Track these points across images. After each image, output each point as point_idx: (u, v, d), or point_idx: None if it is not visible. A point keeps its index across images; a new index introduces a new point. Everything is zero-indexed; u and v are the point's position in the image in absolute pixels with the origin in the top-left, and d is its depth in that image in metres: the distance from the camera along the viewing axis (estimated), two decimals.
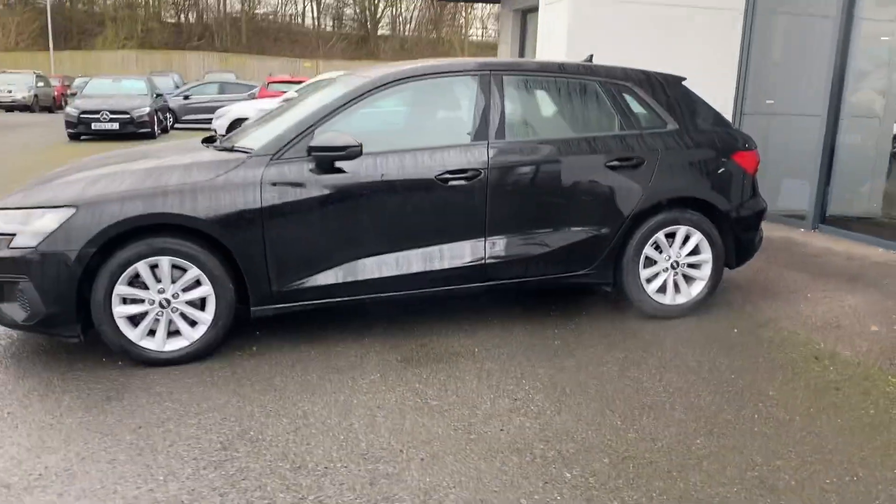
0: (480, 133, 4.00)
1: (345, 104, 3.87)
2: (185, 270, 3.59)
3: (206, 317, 3.64)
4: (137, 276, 3.54)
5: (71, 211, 3.45)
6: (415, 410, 3.18)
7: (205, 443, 2.88)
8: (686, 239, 4.33)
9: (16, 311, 3.54)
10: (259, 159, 3.69)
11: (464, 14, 52.12)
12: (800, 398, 3.34)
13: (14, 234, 3.50)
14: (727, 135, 4.50)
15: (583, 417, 3.12)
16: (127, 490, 2.55)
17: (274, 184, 3.65)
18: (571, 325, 4.25)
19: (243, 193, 3.61)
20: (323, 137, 3.67)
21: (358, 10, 53.89)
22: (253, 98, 20.03)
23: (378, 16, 54.24)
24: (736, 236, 4.44)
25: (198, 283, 3.62)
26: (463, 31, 53.64)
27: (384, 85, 3.96)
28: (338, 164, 3.74)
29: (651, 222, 4.23)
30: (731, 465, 2.75)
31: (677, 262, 4.34)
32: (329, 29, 55.00)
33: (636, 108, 4.32)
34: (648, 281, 4.32)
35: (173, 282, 3.59)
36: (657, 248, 4.30)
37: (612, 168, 4.14)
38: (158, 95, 18.70)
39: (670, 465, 2.75)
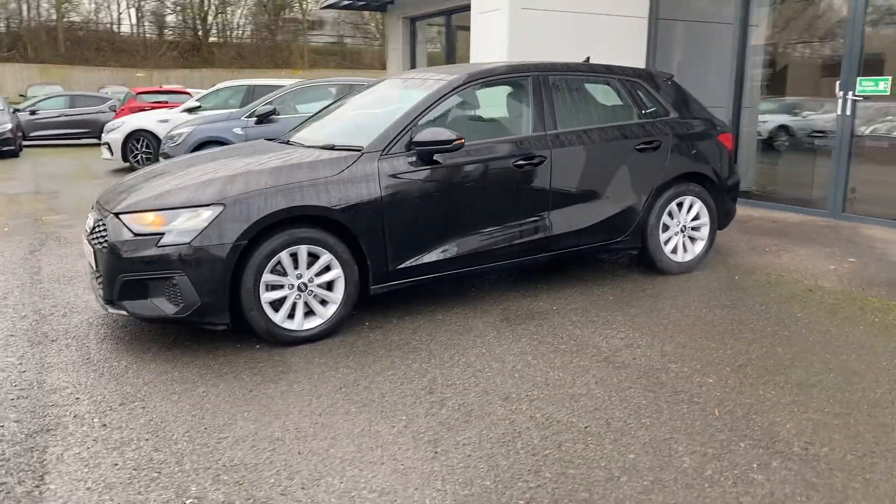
0: (539, 125, 4.71)
1: (431, 104, 4.43)
2: (317, 257, 4.00)
3: (336, 297, 4.07)
4: (279, 263, 3.91)
5: (219, 208, 3.77)
6: (554, 352, 3.84)
7: (409, 392, 3.38)
8: (690, 207, 5.28)
9: (164, 304, 3.79)
10: (371, 155, 4.18)
11: (302, 19, 51.83)
12: (821, 317, 4.36)
13: (161, 234, 3.75)
14: (711, 120, 5.52)
15: (685, 345, 3.93)
16: (381, 428, 3.02)
17: (389, 175, 4.16)
18: (611, 285, 5.06)
19: (366, 185, 4.09)
20: (426, 133, 4.21)
21: (184, 18, 51.93)
22: (114, 110, 19.27)
23: (208, 23, 52.55)
24: (724, 203, 5.46)
25: (327, 267, 4.04)
26: (301, 37, 53.27)
27: (461, 87, 4.56)
28: (436, 156, 4.30)
29: (667, 194, 5.14)
30: (815, 361, 3.67)
31: (685, 227, 5.28)
32: (154, 37, 52.59)
33: (647, 100, 5.22)
34: (665, 243, 5.23)
35: (308, 267, 4.00)
36: (670, 215, 5.21)
37: (640, 150, 5.00)
38: (16, 111, 17.54)
39: (773, 367, 3.62)
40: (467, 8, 12.98)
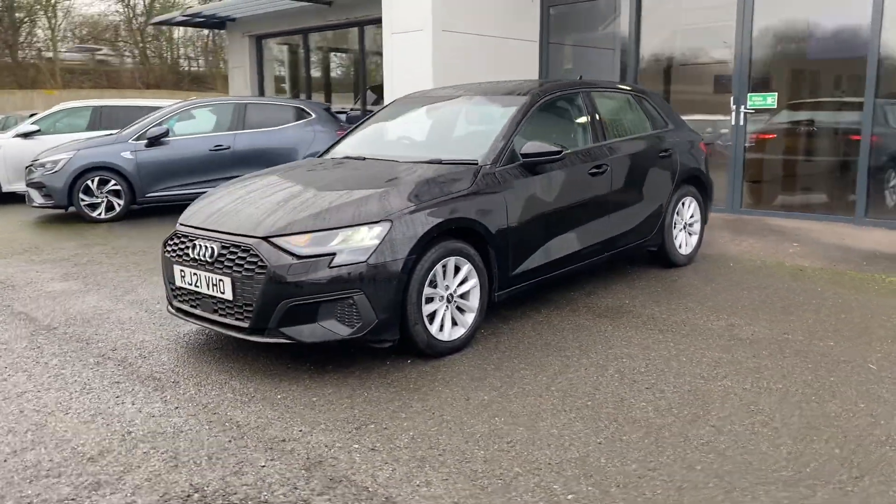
0: (595, 136, 5.18)
1: (521, 119, 4.70)
2: (459, 268, 4.13)
3: (472, 305, 4.20)
4: (433, 276, 3.99)
5: (388, 224, 3.76)
6: (685, 337, 4.31)
7: (604, 382, 3.66)
8: (689, 206, 6.06)
9: (336, 326, 3.69)
10: (488, 167, 4.38)
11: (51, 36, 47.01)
12: (835, 288, 5.29)
13: (332, 254, 3.67)
14: (691, 129, 6.36)
15: (771, 320, 4.60)
16: (604, 407, 3.31)
17: (508, 187, 4.38)
18: (646, 279, 5.64)
19: (493, 196, 4.28)
20: (531, 146, 4.49)
21: None
22: None
23: None
24: (709, 201, 6.32)
25: (465, 278, 4.18)
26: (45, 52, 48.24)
27: (538, 103, 4.88)
28: (537, 167, 4.59)
29: (676, 196, 5.86)
30: (871, 317, 4.51)
31: (686, 224, 6.04)
32: None
33: (654, 113, 5.92)
34: (675, 239, 5.95)
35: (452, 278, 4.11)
36: (678, 214, 5.94)
37: (661, 157, 5.66)
38: None
39: (854, 329, 4.39)
40: (330, 27, 13.12)
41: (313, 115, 10.37)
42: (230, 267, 3.75)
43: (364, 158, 4.81)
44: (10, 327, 4.72)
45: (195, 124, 9.81)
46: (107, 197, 9.12)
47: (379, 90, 12.71)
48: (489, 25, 9.25)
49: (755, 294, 5.16)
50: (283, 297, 3.60)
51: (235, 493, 2.67)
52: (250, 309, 3.69)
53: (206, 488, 2.71)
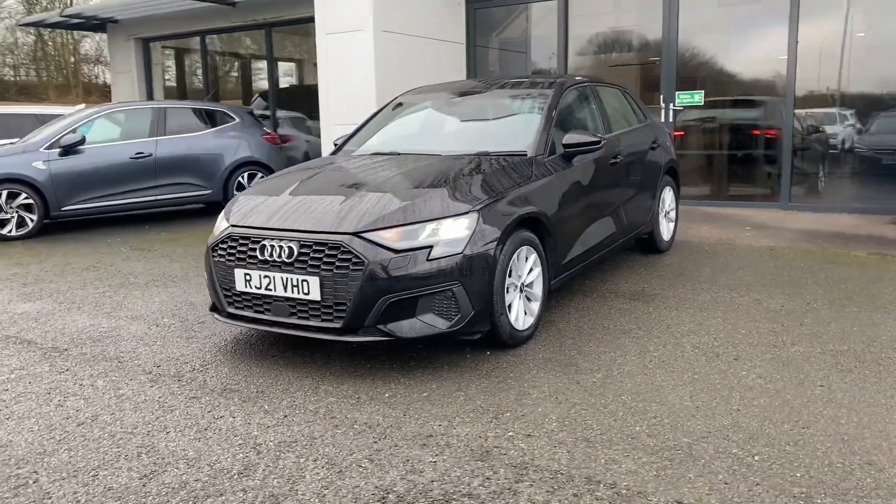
0: (607, 126, 5.39)
1: (553, 111, 4.81)
2: (527, 257, 4.17)
3: (538, 294, 4.25)
4: (511, 266, 4.01)
5: (475, 215, 3.75)
6: (723, 313, 4.58)
7: (692, 357, 3.85)
8: (668, 194, 6.43)
9: (435, 320, 3.62)
10: (539, 158, 4.45)
11: None
12: (806, 264, 5.79)
13: (430, 247, 3.61)
14: (661, 122, 6.74)
15: (785, 295, 4.98)
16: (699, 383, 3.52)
17: (556, 177, 4.48)
18: (647, 265, 5.91)
19: (548, 187, 4.36)
20: (572, 136, 4.60)
21: None
22: None
23: None
24: (679, 188, 6.72)
25: (531, 267, 4.22)
26: None
27: (562, 96, 5.00)
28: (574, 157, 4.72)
29: (661, 184, 6.21)
30: (855, 286, 5.00)
31: (667, 211, 6.41)
32: None
33: (636, 107, 6.23)
34: (660, 226, 6.30)
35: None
36: (662, 201, 6.29)
37: (653, 148, 5.98)
38: None
39: (845, 296, 4.86)
40: (233, 29, 12.59)
41: (237, 119, 9.95)
42: (316, 266, 3.57)
43: (399, 154, 4.72)
44: (12, 352, 4.23)
45: (111, 131, 9.13)
46: (17, 212, 8.27)
47: (267, 97, 12.37)
48: (422, 27, 9.31)
49: (750, 273, 5.55)
50: (384, 292, 3.48)
51: (431, 490, 2.57)
52: (343, 308, 3.54)
53: (394, 489, 2.59)
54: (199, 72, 13.67)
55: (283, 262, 3.64)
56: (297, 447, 2.92)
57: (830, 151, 8.49)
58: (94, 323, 4.76)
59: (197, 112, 9.80)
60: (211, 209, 9.64)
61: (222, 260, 3.88)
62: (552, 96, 4.81)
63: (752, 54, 8.82)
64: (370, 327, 3.54)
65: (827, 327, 4.22)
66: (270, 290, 3.69)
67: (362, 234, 3.54)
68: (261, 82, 13.20)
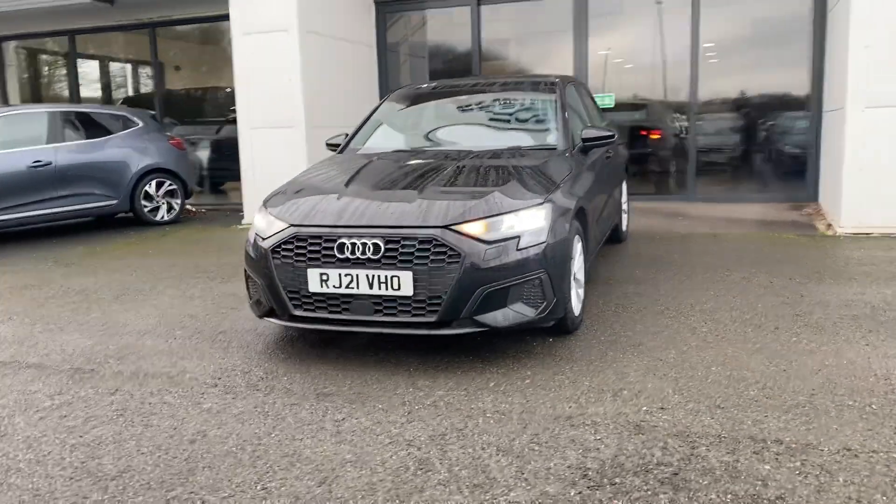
0: (594, 121, 5.68)
1: (564, 108, 5.02)
2: (576, 246, 4.34)
3: (581, 281, 4.46)
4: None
5: (550, 205, 3.88)
6: (729, 289, 5.00)
7: (738, 329, 4.21)
8: (623, 188, 6.87)
9: (524, 309, 3.68)
10: (567, 151, 4.64)
11: None
12: (755, 246, 6.42)
13: (517, 237, 3.70)
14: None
15: (764, 274, 5.54)
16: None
17: (582, 170, 4.69)
18: (617, 256, 6.26)
19: (582, 179, 4.55)
20: (590, 131, 4.82)
21: None
22: None
23: None
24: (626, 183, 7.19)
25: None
26: None
27: (564, 93, 5.22)
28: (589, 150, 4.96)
29: (623, 177, 6.63)
30: (807, 261, 5.66)
31: (623, 203, 6.84)
32: None
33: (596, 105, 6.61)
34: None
35: None
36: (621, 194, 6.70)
37: (619, 144, 6.37)
38: None
39: (793, 269, 5.52)
40: (111, 29, 11.70)
41: (140, 124, 9.31)
42: (408, 260, 3.53)
43: (425, 150, 4.73)
44: (29, 377, 3.79)
45: (3, 137, 8.22)
46: None
47: (132, 102, 11.69)
48: (339, 28, 9.25)
49: (715, 256, 6.07)
50: (480, 283, 3.51)
51: (623, 464, 2.67)
52: (437, 301, 3.52)
53: (586, 465, 2.65)
54: (65, 75, 12.54)
55: (369, 259, 3.55)
56: (452, 439, 2.90)
57: (725, 150, 9.41)
58: (98, 342, 4.35)
59: (97, 116, 9.05)
60: (101, 221, 8.95)
61: (288, 261, 3.70)
62: (559, 93, 5.01)
63: (656, 60, 9.55)
64: (465, 319, 3.54)
65: (825, 297, 4.73)
66: (352, 288, 3.59)
67: (452, 227, 3.54)
68: (138, 86, 12.36)
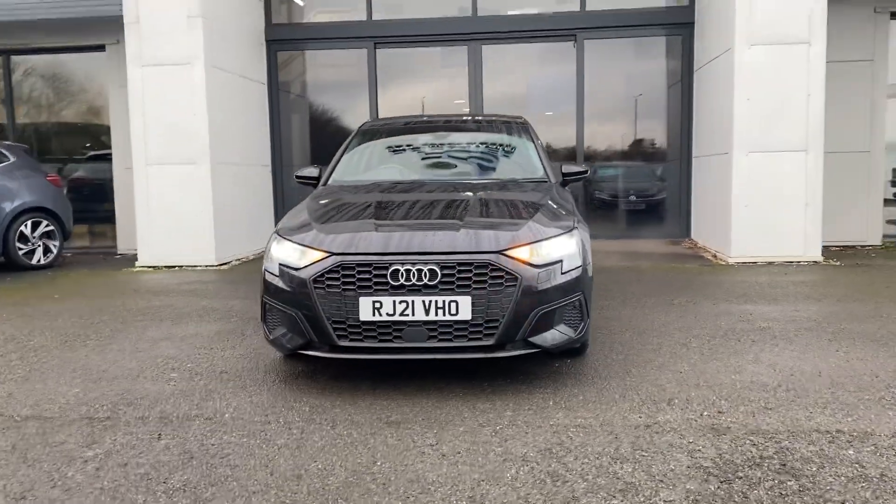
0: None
1: (538, 145, 5.38)
2: None
3: None
4: None
5: (577, 232, 4.14)
6: (685, 313, 5.56)
7: (776, 340, 4.73)
8: None
9: (566, 330, 3.79)
10: (556, 184, 4.98)
11: None
12: (672, 275, 7.13)
13: (560, 261, 3.92)
14: None
15: (703, 297, 6.17)
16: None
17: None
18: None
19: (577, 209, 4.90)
20: (570, 166, 5.16)
21: None
22: None
23: None
24: None
25: None
26: None
27: (530, 130, 5.58)
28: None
29: None
30: (733, 291, 6.43)
31: None
32: None
33: None
34: None
35: None
36: None
37: None
38: None
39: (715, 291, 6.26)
40: None
41: (12, 159, 8.49)
42: (466, 285, 3.62)
43: (425, 182, 4.83)
44: (38, 429, 3.37)
45: None
46: None
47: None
48: (237, 64, 9.07)
49: (646, 286, 6.63)
50: (535, 306, 3.67)
51: (734, 460, 2.94)
52: (494, 325, 3.62)
53: (706, 465, 2.89)
54: None
55: (425, 286, 3.59)
56: (560, 452, 2.99)
57: (610, 194, 10.28)
58: (88, 389, 3.95)
59: None
60: None
61: (335, 291, 3.63)
62: (530, 130, 5.34)
63: (544, 110, 10.26)
64: (519, 341, 3.66)
65: (770, 314, 5.36)
66: (407, 315, 3.60)
67: (505, 253, 3.67)
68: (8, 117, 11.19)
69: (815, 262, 7.69)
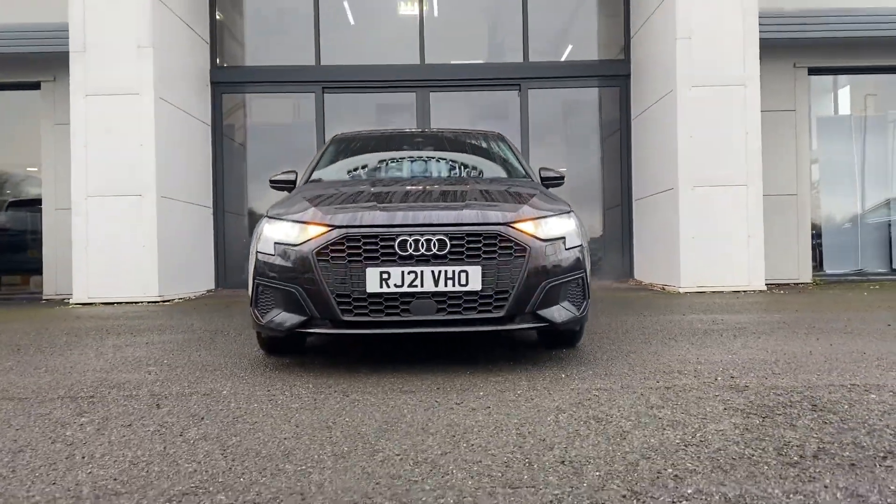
0: None
1: (516, 151, 5.47)
2: None
3: None
4: None
5: (573, 214, 4.21)
6: (661, 321, 5.65)
7: (792, 338, 4.81)
8: None
9: (570, 307, 3.79)
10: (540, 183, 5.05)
11: None
12: (636, 300, 7.27)
13: (563, 237, 3.95)
14: None
15: (671, 314, 6.30)
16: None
17: None
18: None
19: None
20: (548, 171, 5.26)
21: None
22: None
23: None
24: None
25: None
26: None
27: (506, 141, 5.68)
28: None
29: None
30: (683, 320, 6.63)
31: None
32: None
33: None
34: None
35: None
36: None
37: None
38: None
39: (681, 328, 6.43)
40: None
41: None
42: (476, 255, 3.57)
43: (416, 177, 4.82)
44: (19, 409, 3.06)
45: None
46: None
47: None
48: (184, 101, 8.97)
49: (610, 304, 6.72)
50: (544, 278, 3.64)
51: (768, 405, 2.94)
52: (503, 296, 3.56)
53: (749, 406, 2.89)
54: None
55: (434, 256, 3.52)
56: (594, 405, 2.92)
57: None
58: (58, 379, 3.62)
59: None
60: None
61: (340, 263, 3.51)
62: (507, 141, 5.44)
63: None
64: (528, 314, 3.62)
65: (723, 319, 5.50)
66: (415, 286, 3.50)
67: (513, 225, 3.66)
68: None
69: (761, 291, 7.98)
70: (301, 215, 3.73)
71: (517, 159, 5.16)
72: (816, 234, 9.95)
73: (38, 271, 9.66)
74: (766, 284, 8.31)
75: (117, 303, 7.87)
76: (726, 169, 7.99)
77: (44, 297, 9.53)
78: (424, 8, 10.10)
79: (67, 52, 8.02)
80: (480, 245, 3.51)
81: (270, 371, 3.69)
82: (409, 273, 3.45)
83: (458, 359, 3.94)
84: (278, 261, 3.61)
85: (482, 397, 3.03)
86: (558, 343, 4.21)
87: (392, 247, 3.47)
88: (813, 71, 9.65)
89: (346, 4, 10.40)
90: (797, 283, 9.45)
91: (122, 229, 7.83)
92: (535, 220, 3.73)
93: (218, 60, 10.05)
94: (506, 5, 10.26)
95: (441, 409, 2.85)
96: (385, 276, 3.44)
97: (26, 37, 8.95)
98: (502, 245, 3.52)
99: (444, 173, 5.05)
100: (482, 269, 3.47)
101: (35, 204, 9.99)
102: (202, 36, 9.72)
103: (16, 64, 9.22)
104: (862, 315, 5.66)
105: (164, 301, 8.01)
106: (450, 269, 3.46)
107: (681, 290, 7.94)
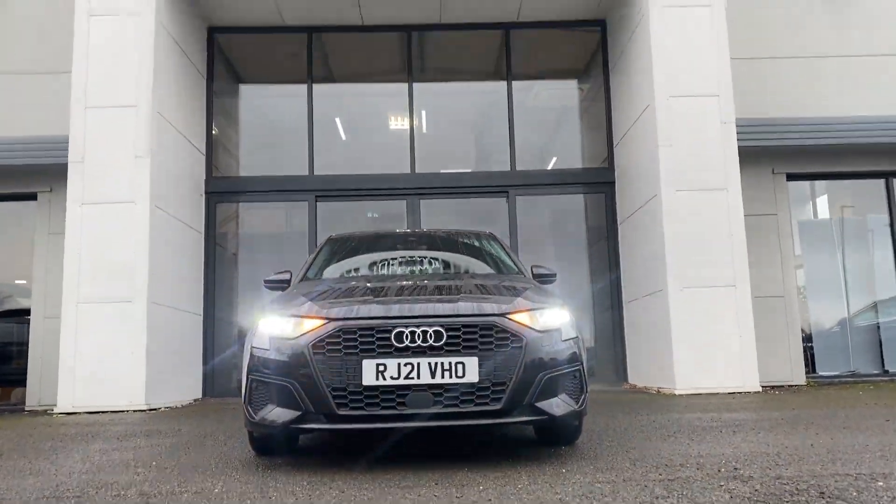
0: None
1: (508, 250, 5.56)
2: None
3: None
4: None
5: (567, 308, 4.22)
6: (650, 410, 5.57)
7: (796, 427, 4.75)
8: None
9: (568, 400, 3.73)
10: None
11: None
12: (616, 403, 7.19)
13: (559, 329, 3.95)
14: None
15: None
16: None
17: None
18: None
19: None
20: (540, 268, 5.33)
21: None
22: None
23: None
24: None
25: None
26: None
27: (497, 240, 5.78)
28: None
29: None
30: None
31: None
32: None
33: None
34: None
35: None
36: None
37: None
38: None
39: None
40: None
41: None
42: (472, 346, 3.57)
43: (411, 274, 4.88)
44: None
45: None
46: None
47: None
48: (177, 209, 9.10)
49: (612, 407, 6.64)
50: (542, 369, 3.63)
51: (775, 494, 2.90)
52: (501, 388, 3.54)
53: (753, 492, 2.84)
54: None
55: (430, 347, 3.52)
56: (597, 498, 2.88)
57: None
58: (44, 482, 3.52)
59: None
60: None
61: (336, 356, 3.50)
62: (499, 240, 5.55)
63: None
64: (526, 406, 3.58)
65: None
66: (412, 378, 3.49)
67: (508, 316, 3.68)
68: None
69: (756, 391, 7.92)
70: (297, 310, 3.73)
71: (509, 257, 5.23)
72: (807, 337, 9.96)
73: (22, 383, 9.47)
74: (762, 386, 8.24)
75: (102, 412, 7.69)
76: (713, 269, 8.10)
77: (26, 408, 9.30)
78: (415, 122, 10.49)
79: (66, 164, 8.19)
80: (477, 336, 3.51)
81: (263, 470, 3.59)
82: (405, 365, 3.43)
83: (457, 451, 3.85)
84: (273, 355, 3.59)
85: (482, 492, 2.96)
86: (557, 440, 4.12)
87: (388, 338, 3.47)
88: (791, 177, 9.96)
89: (337, 120, 10.78)
90: (791, 385, 9.39)
91: (112, 336, 7.76)
92: (530, 312, 3.74)
93: (213, 171, 10.28)
94: (493, 119, 10.68)
95: (442, 502, 2.77)
96: (381, 367, 3.43)
97: (28, 149, 9.19)
98: (499, 336, 3.53)
99: (439, 270, 5.10)
100: (479, 361, 3.47)
101: (21, 314, 9.93)
102: (198, 147, 9.99)
103: (15, 175, 9.39)
104: (860, 412, 5.61)
105: (150, 409, 7.84)
106: (446, 360, 3.45)
107: (676, 392, 7.87)
